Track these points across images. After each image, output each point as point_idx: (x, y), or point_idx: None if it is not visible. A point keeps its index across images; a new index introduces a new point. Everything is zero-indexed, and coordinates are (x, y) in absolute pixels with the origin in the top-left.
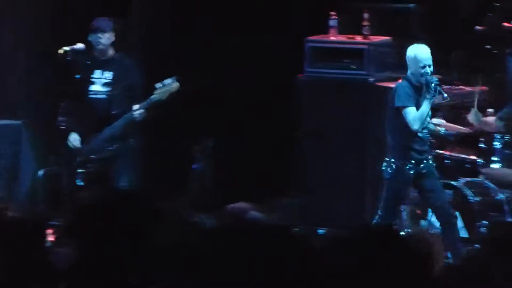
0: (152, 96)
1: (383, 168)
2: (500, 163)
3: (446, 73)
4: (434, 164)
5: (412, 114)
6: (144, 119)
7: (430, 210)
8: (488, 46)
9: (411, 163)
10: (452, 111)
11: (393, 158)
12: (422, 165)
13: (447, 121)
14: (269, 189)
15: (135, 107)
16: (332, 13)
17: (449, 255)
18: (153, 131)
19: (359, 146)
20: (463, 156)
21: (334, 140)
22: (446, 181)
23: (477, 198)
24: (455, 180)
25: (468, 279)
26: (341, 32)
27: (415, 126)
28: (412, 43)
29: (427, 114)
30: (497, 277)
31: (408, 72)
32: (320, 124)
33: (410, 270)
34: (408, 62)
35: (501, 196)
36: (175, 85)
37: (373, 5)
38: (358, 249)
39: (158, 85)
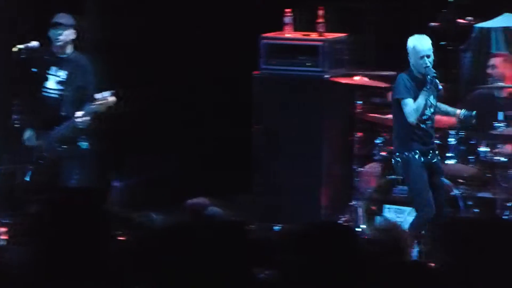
0: (92, 106)
1: (393, 164)
2: (455, 159)
3: (401, 69)
4: (439, 158)
5: (409, 106)
6: (89, 126)
7: (385, 206)
8: (443, 42)
9: (417, 153)
10: None
11: (397, 152)
12: (429, 156)
13: None
14: (227, 186)
15: (78, 113)
16: (287, 10)
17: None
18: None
19: (315, 143)
20: None
21: (289, 137)
22: (401, 177)
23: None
24: None
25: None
26: (296, 29)
27: (411, 118)
28: (367, 40)
29: (425, 106)
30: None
31: (410, 63)
32: (276, 121)
33: (361, 265)
34: (408, 53)
35: (456, 192)
36: (112, 99)
37: (328, 2)
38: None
39: (97, 95)
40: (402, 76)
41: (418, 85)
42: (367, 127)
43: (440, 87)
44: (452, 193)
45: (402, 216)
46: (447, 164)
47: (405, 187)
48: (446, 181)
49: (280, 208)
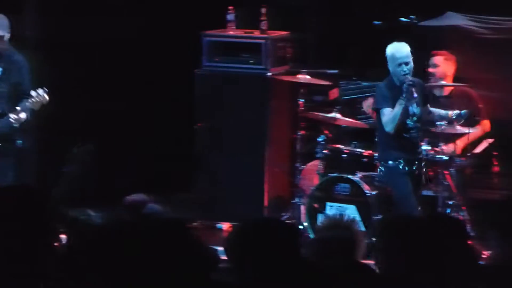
0: (27, 103)
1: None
2: None
3: (344, 68)
4: (424, 169)
5: (386, 116)
6: (24, 123)
7: (328, 204)
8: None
9: (401, 162)
10: (349, 105)
11: (382, 161)
12: (414, 167)
13: (343, 115)
14: (170, 184)
15: (13, 111)
16: (230, 7)
17: None
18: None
19: (258, 140)
20: (360, 150)
21: (232, 134)
22: (343, 175)
23: (373, 192)
24: (352, 174)
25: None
26: (239, 26)
27: (387, 128)
28: (310, 38)
29: (406, 115)
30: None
31: (390, 71)
32: (218, 118)
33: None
34: (387, 61)
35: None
36: (45, 98)
37: (271, 0)
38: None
39: (33, 93)
40: (379, 85)
41: (397, 93)
42: (309, 125)
43: (415, 95)
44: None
45: (344, 214)
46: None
47: (347, 185)
48: None
49: (223, 206)
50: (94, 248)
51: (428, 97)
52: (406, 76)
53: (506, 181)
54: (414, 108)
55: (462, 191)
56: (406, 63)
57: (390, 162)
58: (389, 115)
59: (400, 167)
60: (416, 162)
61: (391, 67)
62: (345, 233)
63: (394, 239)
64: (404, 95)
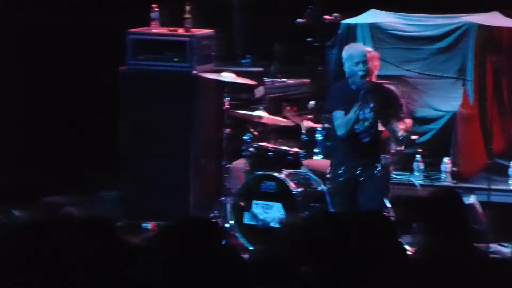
0: None
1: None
2: (322, 154)
3: (268, 65)
4: (377, 173)
5: (337, 120)
6: None
7: (254, 202)
8: (309, 39)
9: (342, 169)
10: (274, 103)
11: (331, 165)
12: (358, 172)
13: (269, 113)
14: (95, 183)
15: None
16: (154, 5)
17: None
18: None
19: (183, 138)
20: (286, 148)
21: (157, 133)
22: (269, 173)
23: (299, 190)
24: (279, 171)
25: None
26: (163, 24)
27: (339, 131)
28: (234, 36)
29: (356, 120)
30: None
31: (346, 74)
32: (143, 117)
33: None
34: (344, 64)
35: (322, 187)
36: None
37: None
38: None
39: None
40: (333, 87)
41: (351, 96)
42: (235, 123)
43: (372, 105)
44: (318, 188)
45: (270, 212)
46: (314, 159)
47: (273, 183)
48: (313, 176)
49: (149, 205)
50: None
51: (391, 101)
52: (365, 81)
53: (430, 176)
54: (366, 113)
55: (387, 188)
56: (364, 62)
57: (333, 168)
58: (342, 120)
59: (339, 173)
60: (360, 168)
61: (348, 67)
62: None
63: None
64: (360, 102)
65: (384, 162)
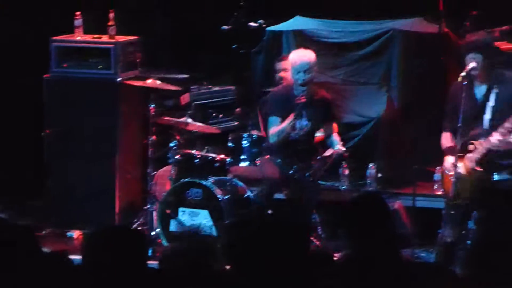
0: None
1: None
2: (248, 161)
3: (194, 72)
4: (308, 177)
5: (272, 127)
6: None
7: (180, 209)
8: (234, 45)
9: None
10: (200, 110)
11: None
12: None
13: (195, 120)
14: (20, 191)
15: None
16: (77, 13)
17: None
18: None
19: (108, 146)
20: (212, 155)
21: (82, 140)
22: (195, 180)
23: (226, 197)
24: (205, 179)
25: None
26: (87, 32)
27: (271, 139)
28: (160, 42)
29: (292, 128)
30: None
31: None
32: (68, 124)
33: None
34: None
35: (249, 193)
36: None
37: (120, 5)
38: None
39: None
40: (274, 91)
41: (292, 102)
42: (161, 130)
43: (306, 123)
44: (245, 195)
45: (197, 219)
46: (240, 166)
47: (199, 190)
48: (239, 183)
49: (74, 213)
50: None
51: (332, 114)
52: (304, 90)
53: (355, 182)
54: (303, 122)
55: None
56: (305, 71)
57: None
58: (275, 128)
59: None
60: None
61: (291, 74)
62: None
63: (240, 242)
64: (297, 113)
65: (313, 167)
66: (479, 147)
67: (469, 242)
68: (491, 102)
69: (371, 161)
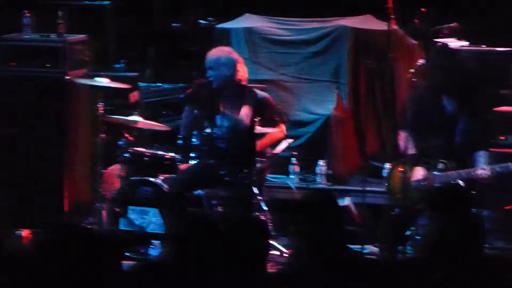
0: None
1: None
2: (198, 158)
3: (143, 70)
4: (243, 178)
5: (183, 118)
6: None
7: (130, 207)
8: (184, 43)
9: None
10: (150, 108)
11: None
12: (222, 173)
13: (144, 118)
14: None
15: None
16: (26, 11)
17: None
18: None
19: (56, 145)
20: (162, 153)
21: (30, 139)
22: (145, 178)
23: None
24: (155, 176)
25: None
26: (36, 30)
27: (181, 131)
28: (109, 40)
29: (196, 124)
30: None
31: None
32: (16, 123)
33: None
34: None
35: (199, 191)
36: None
37: (67, 3)
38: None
39: None
40: (194, 84)
41: (208, 98)
42: (110, 128)
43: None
44: (195, 193)
45: (147, 217)
46: (190, 164)
47: (149, 188)
48: None
49: (23, 212)
50: None
51: (261, 108)
52: (214, 88)
53: (306, 179)
54: (224, 120)
55: (263, 191)
56: (210, 68)
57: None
58: (185, 120)
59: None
60: (223, 171)
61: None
62: None
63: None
64: (199, 106)
65: (260, 166)
66: (446, 173)
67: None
68: (460, 125)
69: (321, 158)
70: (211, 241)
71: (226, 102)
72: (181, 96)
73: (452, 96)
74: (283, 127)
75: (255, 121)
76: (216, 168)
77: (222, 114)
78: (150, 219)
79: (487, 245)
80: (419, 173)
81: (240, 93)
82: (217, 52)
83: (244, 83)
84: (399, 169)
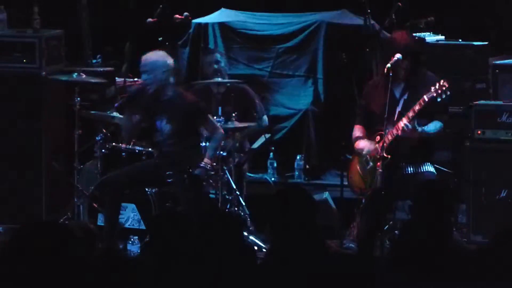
0: None
1: None
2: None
3: (119, 65)
4: (185, 181)
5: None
6: None
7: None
8: (160, 38)
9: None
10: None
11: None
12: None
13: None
14: None
15: None
16: (1, 6)
17: None
18: None
19: (33, 141)
20: (139, 148)
21: (7, 135)
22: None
23: (153, 190)
24: None
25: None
26: (11, 25)
27: (122, 133)
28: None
29: (133, 128)
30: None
31: None
32: None
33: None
34: None
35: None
36: None
37: None
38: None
39: None
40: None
41: (140, 99)
42: (87, 123)
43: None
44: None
45: (124, 213)
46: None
47: None
48: None
49: (0, 209)
50: None
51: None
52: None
53: (283, 174)
54: (163, 125)
55: (241, 186)
56: (144, 72)
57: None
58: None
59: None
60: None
61: None
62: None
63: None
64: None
65: (238, 160)
66: (388, 136)
67: (397, 232)
68: (405, 96)
69: (299, 153)
70: (176, 237)
71: (163, 106)
72: (116, 105)
73: None
74: (263, 121)
75: (189, 124)
76: (162, 168)
77: (161, 119)
78: (128, 214)
79: (465, 239)
80: (370, 146)
81: (177, 97)
82: (152, 56)
83: (179, 87)
84: (356, 159)
